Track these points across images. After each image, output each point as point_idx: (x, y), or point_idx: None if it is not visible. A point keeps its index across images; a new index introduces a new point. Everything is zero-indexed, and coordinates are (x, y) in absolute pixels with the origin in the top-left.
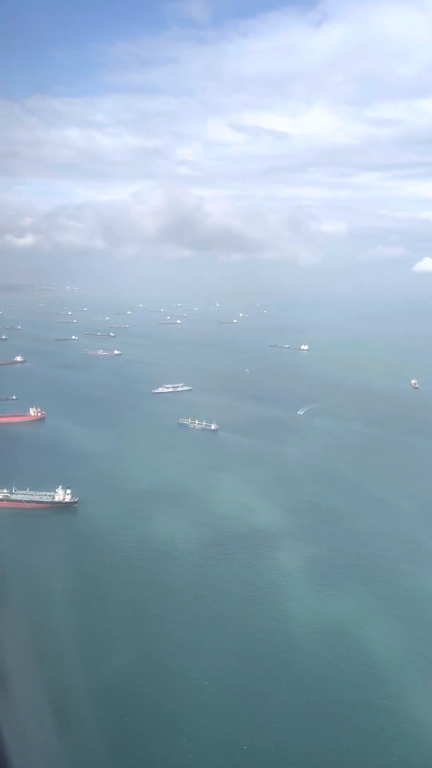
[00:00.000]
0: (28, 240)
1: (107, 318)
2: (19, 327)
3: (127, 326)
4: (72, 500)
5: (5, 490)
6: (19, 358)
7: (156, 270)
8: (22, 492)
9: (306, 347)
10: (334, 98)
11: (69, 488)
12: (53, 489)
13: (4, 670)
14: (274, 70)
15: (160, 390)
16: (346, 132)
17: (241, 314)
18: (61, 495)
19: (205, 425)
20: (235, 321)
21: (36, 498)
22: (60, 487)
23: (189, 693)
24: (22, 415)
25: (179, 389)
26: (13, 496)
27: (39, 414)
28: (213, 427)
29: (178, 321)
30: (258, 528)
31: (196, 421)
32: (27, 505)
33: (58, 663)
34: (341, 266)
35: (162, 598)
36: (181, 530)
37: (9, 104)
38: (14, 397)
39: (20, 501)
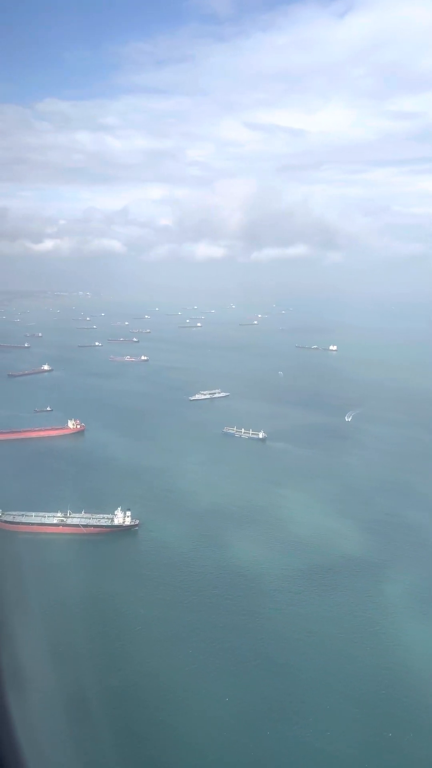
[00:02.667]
0: (47, 245)
1: (126, 323)
2: (40, 334)
3: (148, 331)
4: (133, 523)
5: (59, 514)
6: (46, 367)
7: (167, 274)
8: (77, 515)
9: (335, 348)
10: (353, 92)
11: (129, 510)
12: (108, 510)
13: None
14: (292, 65)
15: (197, 397)
16: (363, 127)
17: (259, 315)
18: (121, 518)
19: (252, 434)
20: (255, 322)
21: (94, 522)
22: (119, 508)
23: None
24: (61, 428)
25: (216, 396)
26: (69, 521)
27: (78, 426)
28: (260, 435)
29: (198, 324)
30: (344, 553)
31: (242, 430)
32: (84, 530)
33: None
34: (359, 264)
35: (261, 644)
36: (260, 558)
37: (20, 109)
38: (48, 409)
39: (77, 525)
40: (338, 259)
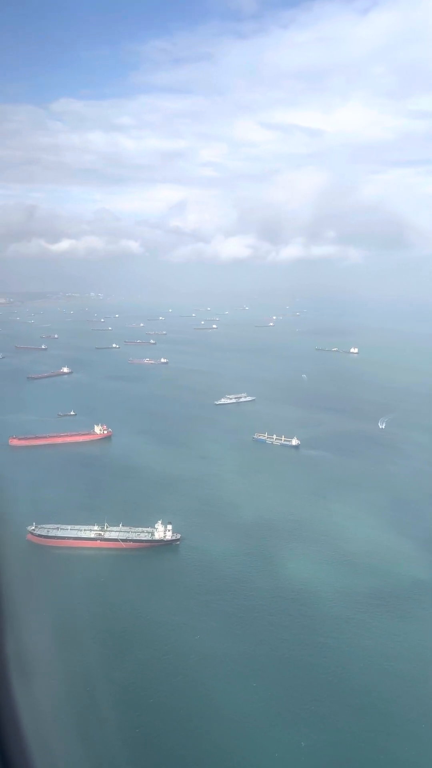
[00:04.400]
0: (63, 245)
1: (142, 324)
2: (55, 336)
3: (164, 332)
4: (174, 538)
5: (96, 527)
6: (65, 369)
7: (182, 275)
8: (115, 529)
9: (356, 350)
10: (373, 91)
11: (170, 523)
12: (146, 523)
13: None
14: (312, 63)
15: (223, 401)
16: (382, 126)
17: (274, 317)
18: (162, 531)
19: (285, 441)
20: (270, 324)
21: (133, 536)
22: (159, 522)
23: None
24: (88, 434)
25: (242, 400)
26: (107, 534)
27: (105, 432)
28: (294, 442)
29: (214, 326)
30: (406, 574)
31: (274, 437)
32: (123, 545)
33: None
34: (374, 266)
35: (332, 682)
36: (315, 580)
37: (34, 109)
38: (72, 413)
39: (115, 540)
40: (358, 260)
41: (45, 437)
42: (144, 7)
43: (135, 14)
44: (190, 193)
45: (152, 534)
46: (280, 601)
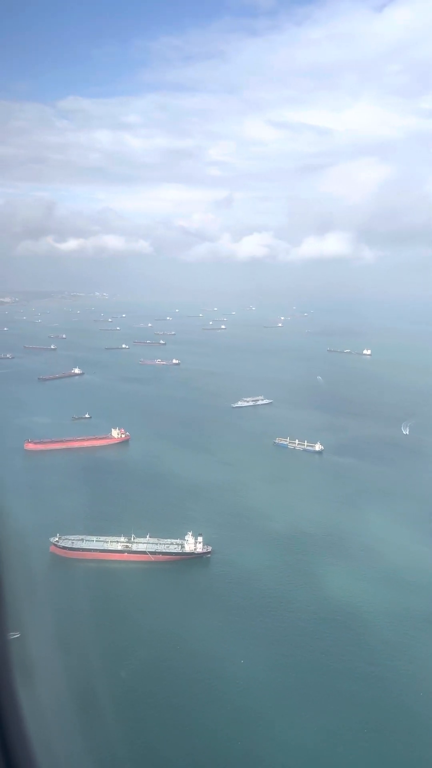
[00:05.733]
0: (67, 244)
1: (150, 324)
2: (64, 336)
3: (172, 333)
4: (205, 550)
5: (123, 539)
6: (77, 370)
7: (181, 275)
8: (143, 540)
9: (369, 352)
10: (384, 90)
11: (201, 534)
12: (174, 534)
13: None
14: (325, 60)
15: (240, 404)
16: (392, 125)
17: (282, 318)
18: (192, 544)
19: (308, 446)
20: (279, 325)
21: (162, 548)
22: (190, 533)
23: None
24: (105, 438)
25: (259, 403)
26: (135, 546)
27: (123, 436)
28: (317, 448)
29: (223, 326)
30: None
31: (296, 442)
32: (152, 558)
33: None
34: (383, 265)
35: (402, 727)
36: (362, 599)
37: (42, 107)
38: (87, 416)
39: (143, 552)
40: (371, 260)
41: (61, 441)
42: (157, 2)
43: (147, 10)
44: (202, 193)
45: (182, 546)
46: (326, 623)
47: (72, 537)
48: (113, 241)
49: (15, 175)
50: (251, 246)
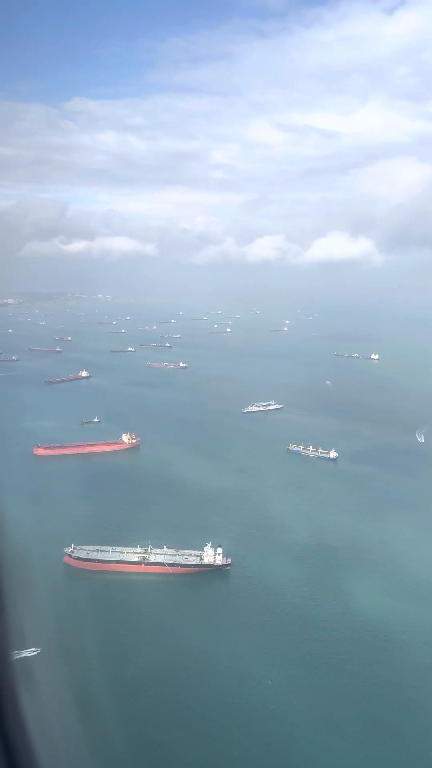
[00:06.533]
0: (71, 246)
1: (155, 327)
2: (69, 338)
3: (178, 336)
4: (224, 562)
5: (140, 550)
6: (84, 373)
7: (184, 277)
8: (160, 551)
9: (377, 357)
10: (392, 93)
11: (220, 546)
12: (191, 544)
13: None
14: (334, 63)
15: (250, 409)
16: (399, 129)
17: (287, 321)
18: (212, 556)
19: (322, 453)
20: (285, 329)
21: (180, 559)
22: (209, 544)
23: None
24: (115, 443)
25: (270, 408)
26: (152, 558)
27: (134, 441)
28: (332, 455)
29: (228, 330)
30: None
31: (310, 448)
32: (170, 569)
33: None
34: (390, 269)
35: None
36: (394, 616)
37: (47, 109)
38: (96, 420)
39: (161, 564)
40: (379, 263)
41: (71, 446)
42: (165, 3)
43: (155, 11)
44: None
45: (201, 558)
46: (355, 644)
47: (87, 547)
48: (117, 243)
49: (19, 177)
50: (261, 249)
